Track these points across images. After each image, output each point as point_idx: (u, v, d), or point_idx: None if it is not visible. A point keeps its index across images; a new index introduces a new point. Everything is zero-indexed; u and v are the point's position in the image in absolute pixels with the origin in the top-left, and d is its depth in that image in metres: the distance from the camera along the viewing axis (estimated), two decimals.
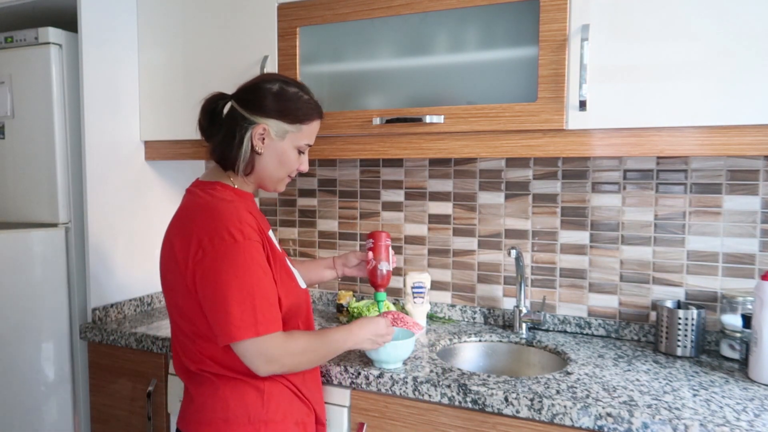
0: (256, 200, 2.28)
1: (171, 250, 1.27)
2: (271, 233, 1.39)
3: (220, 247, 1.19)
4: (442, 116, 1.63)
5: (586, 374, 1.47)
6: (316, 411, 1.37)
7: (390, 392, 1.47)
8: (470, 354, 1.80)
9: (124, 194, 2.05)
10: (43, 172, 1.93)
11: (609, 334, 1.82)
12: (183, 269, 1.23)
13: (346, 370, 1.51)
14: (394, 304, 2.05)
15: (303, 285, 1.40)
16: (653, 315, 1.77)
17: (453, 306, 2.02)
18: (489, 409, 1.36)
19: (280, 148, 1.32)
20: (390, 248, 1.61)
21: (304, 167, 1.38)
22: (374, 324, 1.41)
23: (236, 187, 1.33)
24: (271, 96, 1.30)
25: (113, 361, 1.89)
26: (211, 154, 1.35)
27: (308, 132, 1.35)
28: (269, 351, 1.20)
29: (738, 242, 1.68)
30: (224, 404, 1.25)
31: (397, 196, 2.10)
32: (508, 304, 1.96)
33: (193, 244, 1.21)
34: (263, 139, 1.30)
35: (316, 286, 2.25)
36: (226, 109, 1.32)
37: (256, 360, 1.20)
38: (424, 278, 1.91)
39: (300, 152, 1.35)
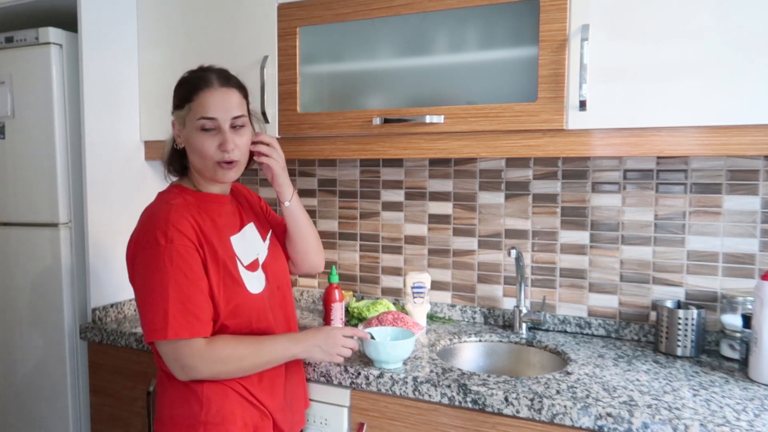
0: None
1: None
2: (237, 237, 1.35)
3: (145, 250, 1.22)
4: (442, 116, 1.63)
5: (586, 374, 1.47)
6: (273, 417, 1.32)
7: (390, 392, 1.47)
8: (470, 354, 1.80)
9: (124, 194, 2.05)
10: (43, 172, 1.93)
11: (609, 334, 1.82)
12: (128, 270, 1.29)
13: (346, 370, 1.51)
14: (394, 304, 2.05)
15: (256, 290, 1.32)
16: (653, 315, 1.77)
17: (453, 306, 2.02)
18: (489, 409, 1.36)
19: (187, 135, 1.30)
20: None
21: (228, 146, 1.26)
22: (327, 333, 1.35)
23: (197, 189, 1.35)
24: (174, 91, 1.34)
25: (113, 361, 1.89)
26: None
27: (197, 106, 1.26)
28: (183, 358, 1.20)
29: (738, 242, 1.68)
30: (171, 403, 1.28)
31: (397, 196, 2.10)
32: (508, 304, 1.96)
33: (129, 248, 1.27)
34: (178, 134, 1.33)
35: (317, 285, 2.25)
36: None
37: (172, 364, 1.21)
38: (424, 278, 1.91)
39: (204, 129, 1.26)
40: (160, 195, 1.35)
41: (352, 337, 1.40)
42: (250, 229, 1.40)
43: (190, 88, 1.29)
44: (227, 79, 1.30)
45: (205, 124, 1.26)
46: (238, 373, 1.25)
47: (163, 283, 1.18)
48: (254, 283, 1.32)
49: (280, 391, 1.35)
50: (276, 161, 1.37)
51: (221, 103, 1.26)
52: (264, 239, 1.43)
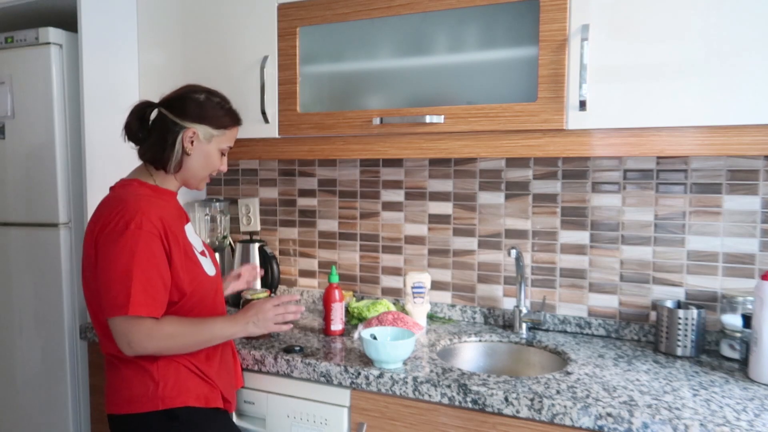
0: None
1: (86, 239, 1.40)
2: (189, 227, 1.50)
3: (114, 232, 1.32)
4: (442, 116, 1.63)
5: (586, 374, 1.47)
6: (221, 390, 1.46)
7: (390, 392, 1.47)
8: (470, 354, 1.80)
9: None
10: (43, 172, 1.93)
11: (609, 334, 1.82)
12: (90, 254, 1.37)
13: (346, 370, 1.51)
14: (394, 304, 2.05)
15: (211, 272, 1.49)
16: (653, 315, 1.77)
17: (453, 306, 2.02)
18: (489, 409, 1.36)
19: (207, 150, 1.47)
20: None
21: (224, 167, 1.54)
22: (256, 309, 1.44)
23: (155, 184, 1.46)
24: (200, 104, 1.46)
25: None
26: (141, 155, 1.47)
27: (230, 136, 1.51)
28: (132, 334, 1.30)
29: (738, 242, 1.68)
30: (126, 384, 1.39)
31: (397, 196, 2.10)
32: (508, 304, 1.96)
33: (96, 230, 1.35)
34: (192, 141, 1.44)
35: (317, 285, 2.26)
36: (153, 115, 1.47)
37: (121, 338, 1.32)
38: (424, 278, 1.91)
39: (222, 154, 1.51)
40: (125, 188, 1.44)
41: (286, 305, 1.48)
42: (189, 226, 1.55)
43: (230, 119, 1.49)
44: None
45: (226, 151, 1.52)
46: (180, 350, 1.37)
47: (129, 265, 1.29)
48: (208, 266, 1.50)
49: (224, 369, 1.50)
50: None
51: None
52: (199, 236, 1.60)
